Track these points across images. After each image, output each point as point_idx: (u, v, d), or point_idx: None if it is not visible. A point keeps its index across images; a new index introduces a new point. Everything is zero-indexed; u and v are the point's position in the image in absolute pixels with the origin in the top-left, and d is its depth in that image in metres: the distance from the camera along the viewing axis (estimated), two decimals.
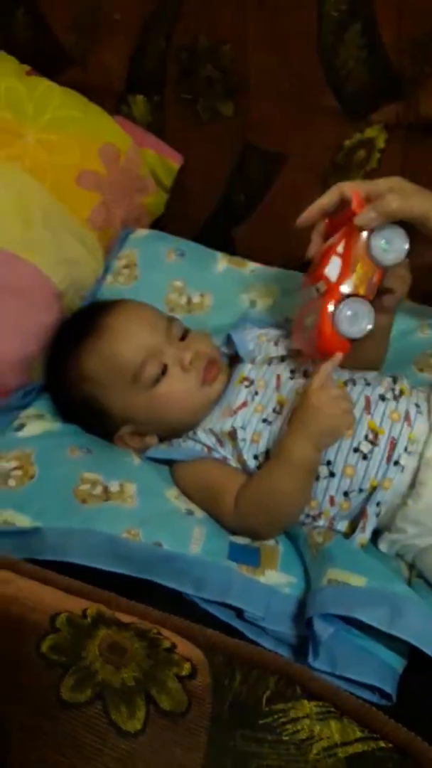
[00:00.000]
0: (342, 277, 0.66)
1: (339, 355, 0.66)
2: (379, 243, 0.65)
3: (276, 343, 0.76)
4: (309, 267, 0.71)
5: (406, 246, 0.65)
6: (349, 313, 0.66)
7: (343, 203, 0.67)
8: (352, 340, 0.66)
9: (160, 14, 0.93)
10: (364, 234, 0.65)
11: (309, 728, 0.40)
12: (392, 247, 0.66)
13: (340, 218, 0.68)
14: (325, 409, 0.65)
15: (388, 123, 0.87)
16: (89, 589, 0.50)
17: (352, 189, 0.66)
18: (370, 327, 0.66)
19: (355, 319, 0.66)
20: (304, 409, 0.66)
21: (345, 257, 0.66)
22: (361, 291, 0.66)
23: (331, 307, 0.66)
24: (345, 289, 0.66)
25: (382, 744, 0.41)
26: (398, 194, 0.64)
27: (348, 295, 0.66)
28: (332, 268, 0.66)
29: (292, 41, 0.88)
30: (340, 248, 0.66)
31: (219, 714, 0.40)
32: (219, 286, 0.91)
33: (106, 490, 0.69)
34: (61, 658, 0.41)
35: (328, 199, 0.68)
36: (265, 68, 0.90)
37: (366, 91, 0.87)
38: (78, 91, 0.95)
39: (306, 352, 0.71)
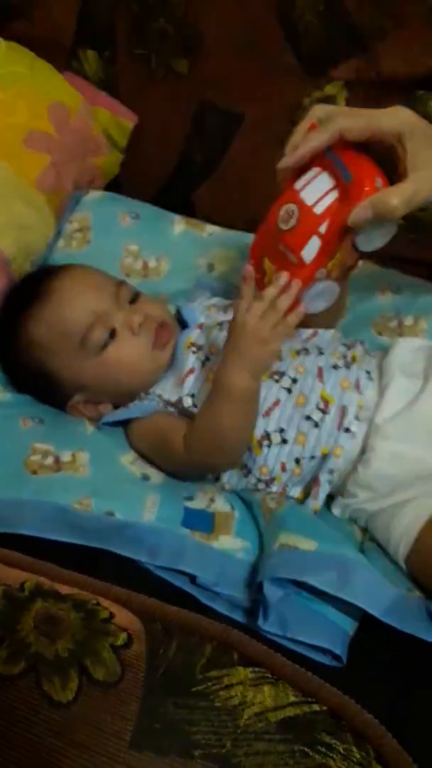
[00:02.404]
0: (317, 263, 0.61)
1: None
2: (367, 235, 0.59)
3: (225, 310, 0.75)
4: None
5: (393, 233, 0.60)
6: (313, 294, 0.63)
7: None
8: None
9: None
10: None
11: (242, 694, 0.41)
12: (379, 237, 0.60)
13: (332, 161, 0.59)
14: (254, 333, 0.61)
15: (348, 80, 0.85)
16: (30, 562, 0.49)
17: (353, 134, 0.57)
18: (328, 304, 0.64)
19: (317, 298, 0.64)
20: (234, 336, 0.62)
21: (325, 242, 0.60)
22: (333, 276, 0.62)
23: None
24: (318, 275, 0.61)
25: (315, 707, 0.42)
26: (404, 187, 0.54)
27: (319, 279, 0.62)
28: (310, 250, 0.60)
29: None
30: (323, 228, 0.59)
31: (152, 682, 0.41)
32: (176, 250, 0.89)
33: (57, 460, 0.68)
34: None
35: (321, 142, 0.59)
36: (220, 22, 0.87)
37: (325, 46, 0.84)
38: (25, 46, 0.91)
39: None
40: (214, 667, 0.42)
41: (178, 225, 0.91)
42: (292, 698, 0.41)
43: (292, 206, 0.61)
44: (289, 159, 0.61)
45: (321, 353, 0.70)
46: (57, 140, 0.87)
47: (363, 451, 0.67)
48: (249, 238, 0.87)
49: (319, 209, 0.60)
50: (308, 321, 0.69)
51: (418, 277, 0.84)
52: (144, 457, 0.71)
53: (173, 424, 0.69)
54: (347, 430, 0.67)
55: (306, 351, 0.70)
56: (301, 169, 0.62)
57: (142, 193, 0.95)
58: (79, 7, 0.92)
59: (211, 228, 0.91)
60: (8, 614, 0.43)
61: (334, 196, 0.60)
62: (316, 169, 0.61)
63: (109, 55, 0.94)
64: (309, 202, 0.60)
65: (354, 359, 0.70)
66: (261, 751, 0.39)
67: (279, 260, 0.63)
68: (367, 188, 0.57)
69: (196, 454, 0.66)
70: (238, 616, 0.62)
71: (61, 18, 0.93)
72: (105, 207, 0.91)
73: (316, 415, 0.67)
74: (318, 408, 0.68)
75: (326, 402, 0.68)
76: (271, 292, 0.61)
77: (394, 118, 0.57)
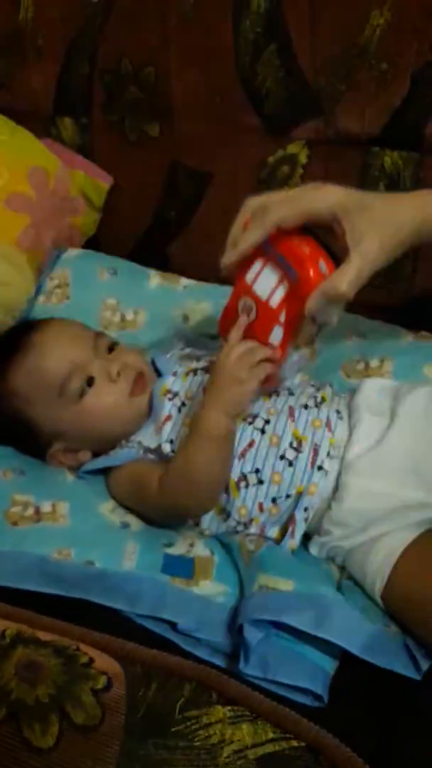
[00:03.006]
0: (285, 344, 0.65)
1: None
2: (323, 311, 0.62)
3: (198, 359, 0.78)
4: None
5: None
6: (289, 365, 0.67)
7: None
8: None
9: (83, 38, 0.95)
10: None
11: (221, 732, 0.41)
12: (334, 309, 0.62)
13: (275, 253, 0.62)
14: (232, 373, 0.64)
15: (309, 139, 0.90)
16: (10, 610, 0.50)
17: (289, 224, 0.58)
18: (302, 367, 0.69)
19: (292, 367, 0.68)
20: (214, 376, 0.66)
21: (287, 328, 0.63)
22: (301, 346, 0.66)
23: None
24: (288, 351, 0.65)
25: (294, 743, 0.42)
26: (350, 268, 0.57)
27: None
28: (275, 336, 0.64)
29: (212, 62, 0.90)
30: (282, 317, 0.63)
31: (132, 724, 0.41)
32: (152, 303, 0.92)
33: (37, 510, 0.69)
34: None
35: (260, 237, 0.60)
36: (187, 89, 0.93)
37: (286, 109, 0.89)
38: (5, 115, 0.96)
39: None
40: (193, 706, 0.43)
41: (154, 279, 0.94)
42: (271, 735, 0.42)
43: (249, 300, 0.65)
44: (231, 257, 0.63)
45: (291, 394, 0.73)
46: (36, 202, 0.91)
47: (336, 488, 0.68)
48: (221, 290, 0.92)
49: (274, 302, 0.63)
50: None
51: (383, 321, 0.87)
52: (123, 504, 0.72)
53: (149, 468, 0.70)
54: (320, 467, 0.69)
55: (276, 393, 0.73)
56: (247, 260, 0.65)
57: (119, 250, 0.99)
58: (56, 78, 0.97)
59: (185, 281, 0.95)
60: None
61: (284, 288, 0.62)
62: (260, 261, 0.63)
63: (86, 122, 0.99)
64: (263, 296, 0.64)
65: (324, 399, 0.73)
66: None
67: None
68: (313, 282, 0.60)
69: (169, 495, 0.67)
70: (220, 661, 0.62)
71: (39, 89, 0.98)
72: (83, 263, 0.95)
73: (290, 454, 0.69)
74: (291, 447, 0.69)
75: (299, 441, 0.70)
76: (249, 344, 0.65)
77: (325, 202, 0.59)
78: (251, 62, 0.88)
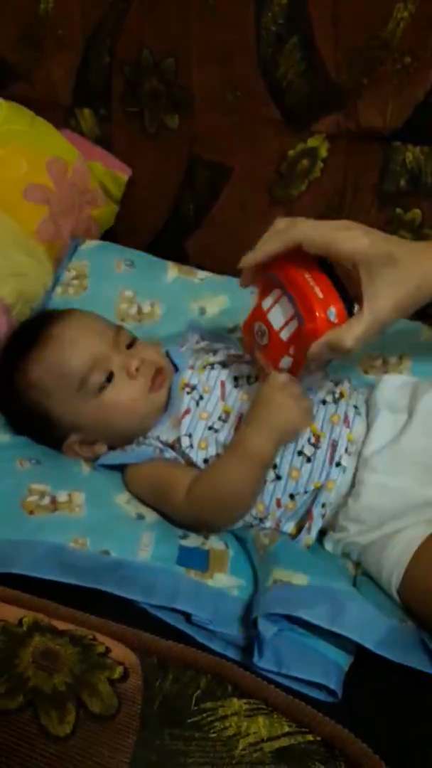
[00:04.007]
0: (294, 373, 0.66)
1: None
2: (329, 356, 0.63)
3: (215, 353, 0.78)
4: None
5: None
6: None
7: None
8: None
9: (103, 29, 0.94)
10: None
11: (236, 725, 0.41)
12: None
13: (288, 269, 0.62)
14: (286, 407, 0.65)
15: (330, 133, 0.89)
16: (27, 599, 0.50)
17: (311, 250, 0.57)
18: (318, 383, 0.71)
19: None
20: (265, 404, 0.66)
21: (296, 359, 0.64)
22: (312, 373, 0.67)
23: None
24: (298, 378, 0.66)
25: (309, 737, 0.42)
26: (359, 324, 0.57)
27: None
28: (284, 364, 0.66)
29: (233, 55, 0.89)
30: (291, 350, 0.64)
31: (148, 714, 0.41)
32: (169, 295, 0.92)
33: (53, 500, 0.69)
34: None
35: (280, 247, 0.59)
36: (207, 81, 0.92)
37: (307, 103, 0.89)
38: (25, 106, 0.96)
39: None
40: (209, 698, 0.43)
41: (171, 271, 0.94)
42: (286, 728, 0.42)
43: (263, 326, 0.66)
44: (247, 260, 0.62)
45: (309, 389, 0.73)
46: (55, 193, 0.91)
47: (353, 484, 0.68)
48: (238, 283, 0.91)
49: (284, 336, 0.64)
50: None
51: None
52: (140, 500, 0.72)
53: (174, 472, 0.70)
54: (338, 464, 0.69)
55: None
56: (267, 285, 0.65)
57: (136, 242, 0.99)
58: (76, 69, 0.97)
59: (202, 274, 0.95)
60: (7, 649, 0.43)
61: (295, 324, 0.63)
62: (276, 292, 0.64)
63: (105, 113, 0.99)
64: (275, 326, 0.65)
65: (342, 395, 0.72)
66: None
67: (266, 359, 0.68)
68: (318, 331, 0.60)
69: (196, 505, 0.68)
70: (234, 655, 0.62)
71: (59, 79, 0.98)
72: (101, 255, 0.95)
73: (308, 450, 0.69)
74: (309, 443, 0.69)
75: (317, 437, 0.69)
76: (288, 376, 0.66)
77: (350, 246, 0.57)
78: (272, 54, 0.87)
